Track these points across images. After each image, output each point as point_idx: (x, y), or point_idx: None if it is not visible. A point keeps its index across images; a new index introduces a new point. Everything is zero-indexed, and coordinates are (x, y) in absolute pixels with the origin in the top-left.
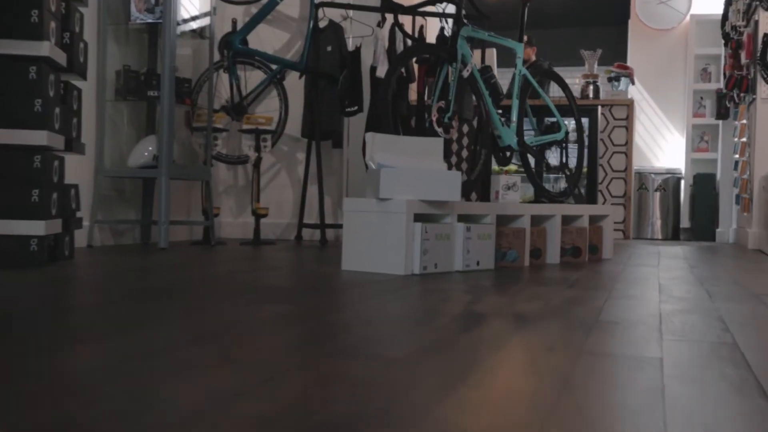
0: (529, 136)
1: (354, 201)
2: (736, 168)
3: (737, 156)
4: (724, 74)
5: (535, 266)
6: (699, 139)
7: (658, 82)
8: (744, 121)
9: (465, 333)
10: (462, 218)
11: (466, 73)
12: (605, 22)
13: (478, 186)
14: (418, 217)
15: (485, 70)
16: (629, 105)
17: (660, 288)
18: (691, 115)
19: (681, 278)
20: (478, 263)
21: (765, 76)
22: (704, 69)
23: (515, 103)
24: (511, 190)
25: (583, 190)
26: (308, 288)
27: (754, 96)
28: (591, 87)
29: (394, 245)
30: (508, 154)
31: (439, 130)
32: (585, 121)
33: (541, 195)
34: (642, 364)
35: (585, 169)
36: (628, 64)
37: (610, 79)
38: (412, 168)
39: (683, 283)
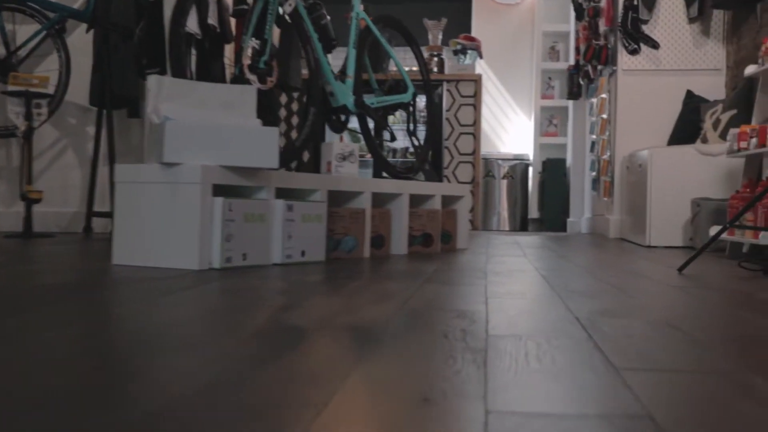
0: (370, 97)
1: (128, 169)
2: (593, 149)
3: (595, 136)
4: (577, 50)
5: (377, 258)
6: (548, 123)
7: (503, 61)
8: (604, 95)
9: (270, 362)
10: (282, 193)
11: (288, 8)
12: None
13: (304, 155)
14: (219, 191)
15: (314, 8)
16: (477, 81)
17: (548, 281)
18: (539, 96)
19: (562, 269)
20: (303, 254)
21: (627, 44)
22: (552, 47)
23: (351, 54)
24: (347, 160)
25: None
26: (41, 295)
27: (614, 67)
28: (435, 60)
29: (184, 229)
30: (343, 117)
31: (252, 77)
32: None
33: (383, 169)
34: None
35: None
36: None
37: (456, 52)
38: (210, 123)
39: (570, 274)
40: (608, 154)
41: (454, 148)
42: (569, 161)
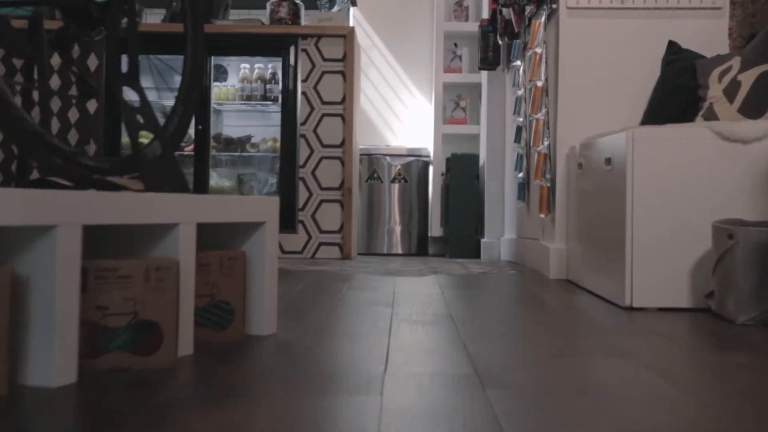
0: None
1: None
2: (519, 139)
3: (522, 118)
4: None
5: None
6: (453, 106)
7: (392, 21)
8: (538, 50)
9: None
10: None
11: None
12: None
13: None
14: None
15: None
16: (347, 36)
17: None
18: (442, 69)
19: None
20: None
21: None
22: (459, 2)
23: None
24: None
25: (253, 183)
26: None
27: (554, 5)
28: (286, 5)
29: None
30: None
31: None
32: (276, 64)
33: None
34: None
35: (257, 145)
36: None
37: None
38: None
39: None
40: (545, 143)
41: (313, 136)
42: (483, 158)
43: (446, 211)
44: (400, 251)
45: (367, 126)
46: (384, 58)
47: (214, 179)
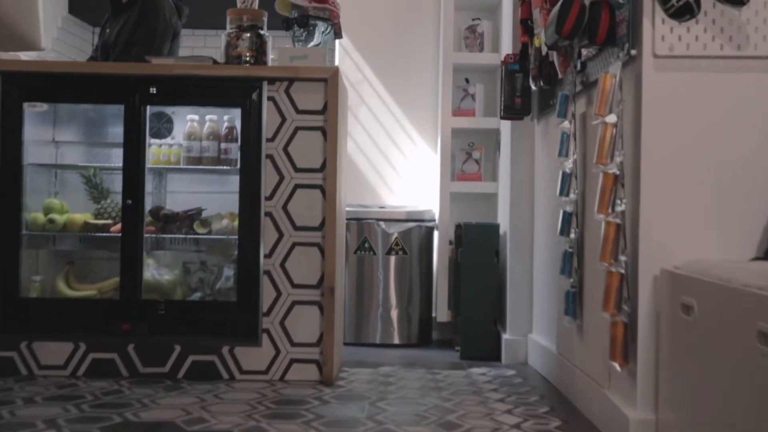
0: None
1: None
2: (567, 189)
3: (570, 162)
4: (526, 23)
5: None
6: (465, 157)
7: (389, 50)
8: (610, 120)
9: None
10: None
11: None
12: None
13: None
14: None
15: None
16: (329, 79)
17: None
18: (450, 111)
19: None
20: None
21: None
22: (471, 29)
23: None
24: None
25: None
26: None
27: (631, 50)
28: (246, 38)
29: None
30: None
31: None
32: (233, 115)
33: None
34: None
35: (227, 222)
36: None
37: (289, 23)
38: None
39: None
40: (622, 259)
41: (283, 215)
42: (505, 227)
43: (455, 290)
44: (396, 341)
45: (357, 180)
46: (378, 95)
47: (150, 270)
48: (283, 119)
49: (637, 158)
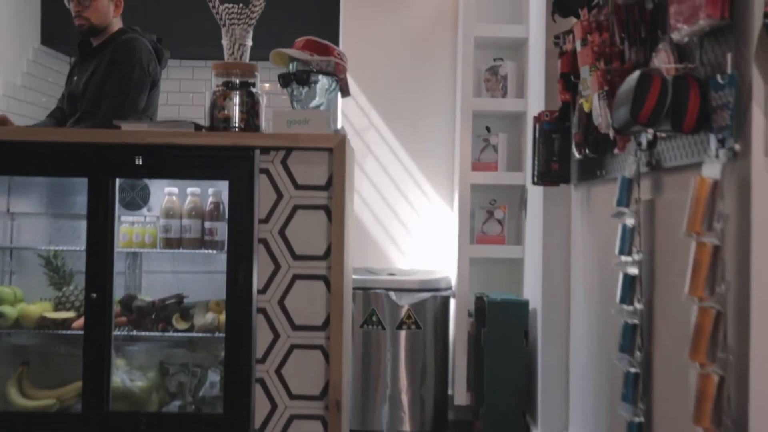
0: None
1: None
2: (630, 296)
3: (635, 267)
4: (568, 80)
5: None
6: (485, 216)
7: (399, 93)
8: (709, 241)
9: None
10: None
11: None
12: None
13: None
14: None
15: None
16: (335, 149)
17: None
18: (469, 163)
19: None
20: None
21: None
22: (493, 70)
23: None
24: None
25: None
26: None
27: (736, 143)
28: (237, 96)
29: None
30: None
31: None
32: (219, 187)
33: None
34: None
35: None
36: (341, 47)
37: (285, 80)
38: None
39: None
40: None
41: (279, 312)
42: (535, 303)
43: (476, 369)
44: (407, 427)
45: (362, 239)
46: (386, 142)
47: (120, 374)
48: (280, 196)
49: (746, 293)
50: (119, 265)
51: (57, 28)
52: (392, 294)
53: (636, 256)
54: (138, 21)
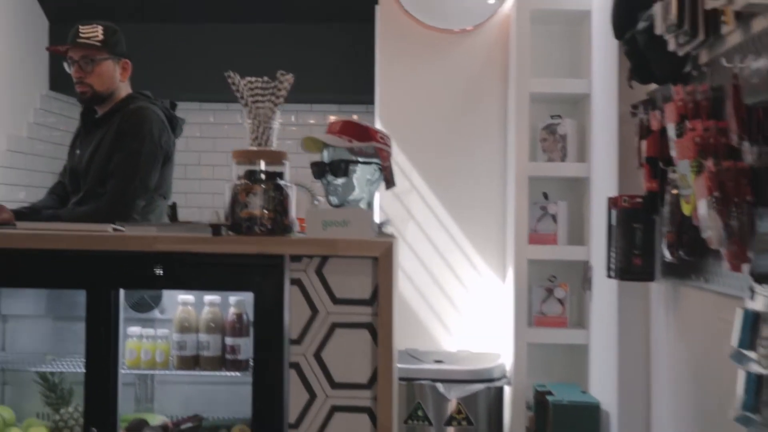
0: None
1: None
2: (757, 399)
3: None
4: (655, 170)
5: None
6: (544, 295)
7: (445, 153)
8: None
9: None
10: None
11: None
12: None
13: None
14: None
15: None
16: (381, 258)
17: None
18: (525, 235)
19: None
20: None
21: None
22: (550, 128)
23: None
24: None
25: None
26: None
27: None
28: (262, 191)
29: None
30: None
31: None
32: (243, 296)
33: None
34: None
35: None
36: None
37: (318, 170)
38: None
39: None
40: None
41: None
42: (609, 406)
43: None
44: None
45: (403, 316)
46: (429, 208)
47: None
48: (315, 312)
49: None
50: (128, 376)
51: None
52: (440, 386)
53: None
54: (151, 64)
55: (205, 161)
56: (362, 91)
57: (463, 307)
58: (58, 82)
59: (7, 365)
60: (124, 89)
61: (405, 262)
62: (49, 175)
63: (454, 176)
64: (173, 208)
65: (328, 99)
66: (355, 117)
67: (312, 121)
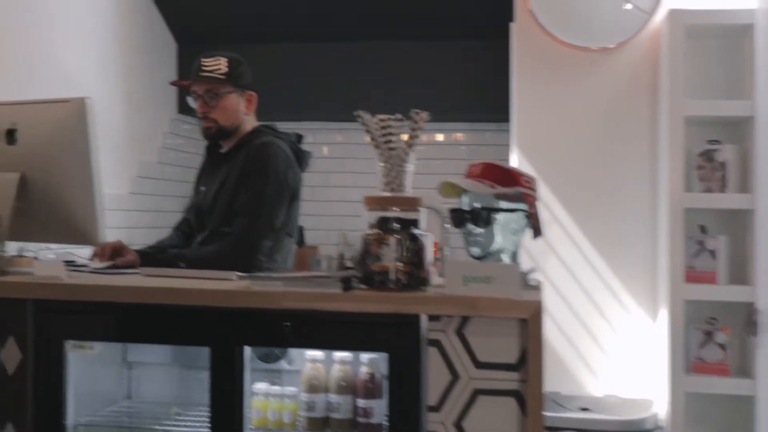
0: None
1: None
2: None
3: None
4: None
5: None
6: (703, 339)
7: (586, 178)
8: None
9: None
10: None
11: None
12: (443, 32)
13: None
14: None
15: None
16: (531, 319)
17: None
18: (681, 272)
19: None
20: None
21: None
22: (707, 155)
23: None
24: None
25: None
26: None
27: None
28: (395, 242)
29: None
30: None
31: None
32: (377, 359)
33: None
34: None
35: None
36: (514, 153)
37: (458, 219)
38: None
39: None
40: None
41: None
42: None
43: None
44: None
45: (552, 358)
46: (573, 242)
47: None
48: (455, 377)
49: None
50: None
51: None
52: None
53: None
54: (272, 83)
55: (333, 182)
56: (493, 110)
57: (609, 348)
58: (186, 105)
59: (133, 422)
60: (250, 122)
61: (546, 298)
62: (177, 199)
63: (598, 206)
64: (300, 231)
65: (458, 117)
66: (497, 162)
67: (441, 138)
